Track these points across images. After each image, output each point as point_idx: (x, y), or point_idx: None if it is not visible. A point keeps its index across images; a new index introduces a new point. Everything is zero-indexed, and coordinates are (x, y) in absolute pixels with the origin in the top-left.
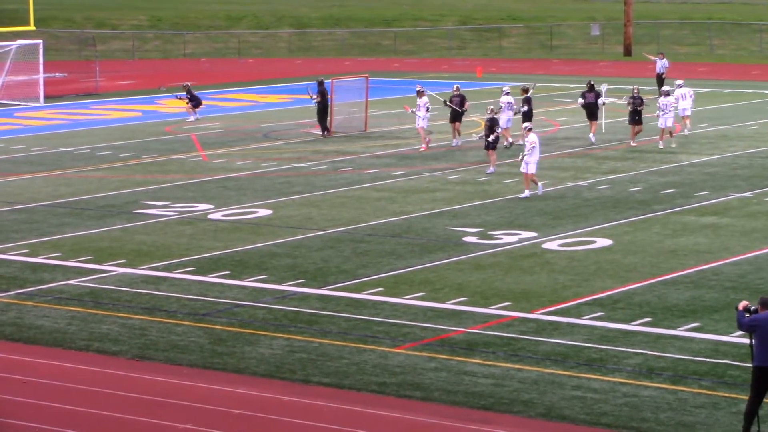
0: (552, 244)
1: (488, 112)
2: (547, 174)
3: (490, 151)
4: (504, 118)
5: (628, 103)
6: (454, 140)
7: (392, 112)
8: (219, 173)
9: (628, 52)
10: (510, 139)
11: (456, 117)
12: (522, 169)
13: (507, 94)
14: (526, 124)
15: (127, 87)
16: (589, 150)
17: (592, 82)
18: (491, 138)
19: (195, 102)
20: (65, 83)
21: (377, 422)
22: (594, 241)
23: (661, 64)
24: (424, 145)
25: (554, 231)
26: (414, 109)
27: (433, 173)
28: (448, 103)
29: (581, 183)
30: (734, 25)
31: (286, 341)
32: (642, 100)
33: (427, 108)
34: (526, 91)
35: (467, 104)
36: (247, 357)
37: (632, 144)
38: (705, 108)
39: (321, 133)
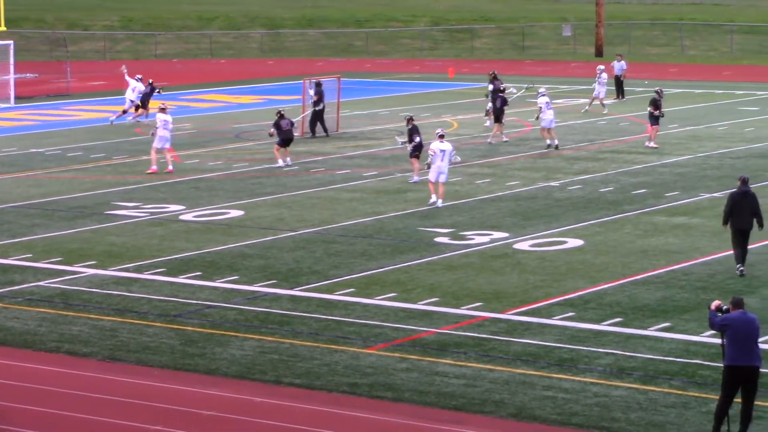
0: (523, 245)
1: (408, 121)
2: (518, 174)
3: (413, 159)
4: (547, 119)
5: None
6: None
7: (364, 112)
8: (190, 174)
9: (599, 53)
10: (554, 141)
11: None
12: (431, 178)
13: (543, 95)
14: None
15: (99, 88)
16: (560, 150)
17: (495, 72)
18: (410, 147)
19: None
20: (36, 84)
21: (349, 423)
22: (565, 242)
23: (619, 66)
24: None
25: (526, 231)
26: (404, 140)
27: (404, 174)
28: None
29: (552, 183)
30: (705, 26)
31: (258, 342)
32: (651, 100)
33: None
34: (501, 90)
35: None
36: (218, 358)
37: (651, 144)
38: (676, 108)
39: (311, 134)
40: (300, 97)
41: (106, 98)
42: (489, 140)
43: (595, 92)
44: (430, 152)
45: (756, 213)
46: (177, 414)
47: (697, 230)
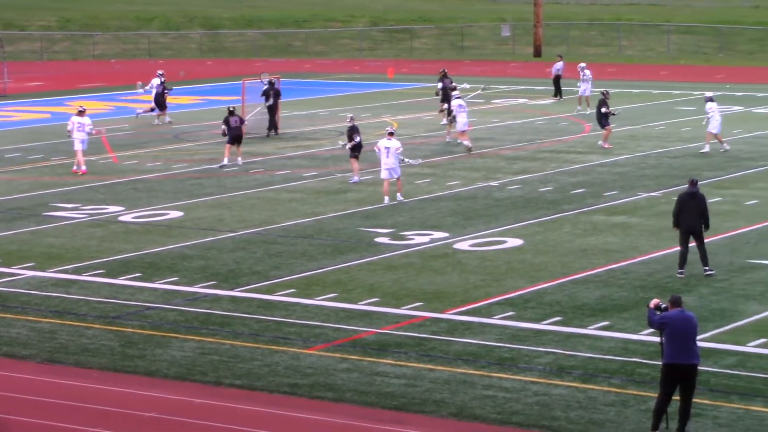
0: (463, 245)
1: (348, 120)
2: (458, 174)
3: (352, 159)
4: (461, 122)
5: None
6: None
7: (303, 113)
8: (129, 175)
9: (538, 53)
10: (469, 144)
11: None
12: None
13: (458, 97)
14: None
15: (36, 89)
16: (500, 150)
17: (444, 70)
18: (348, 146)
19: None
20: None
21: (289, 424)
22: (505, 241)
23: (558, 67)
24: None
25: (465, 231)
26: (344, 143)
27: (344, 174)
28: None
29: (492, 183)
30: (642, 26)
31: (198, 343)
32: (601, 102)
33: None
34: (453, 89)
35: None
36: (158, 359)
37: (606, 145)
38: (613, 108)
39: (267, 133)
40: (239, 97)
41: (43, 99)
42: (447, 139)
43: (581, 91)
44: (376, 149)
45: (703, 214)
46: (117, 416)
47: (635, 229)
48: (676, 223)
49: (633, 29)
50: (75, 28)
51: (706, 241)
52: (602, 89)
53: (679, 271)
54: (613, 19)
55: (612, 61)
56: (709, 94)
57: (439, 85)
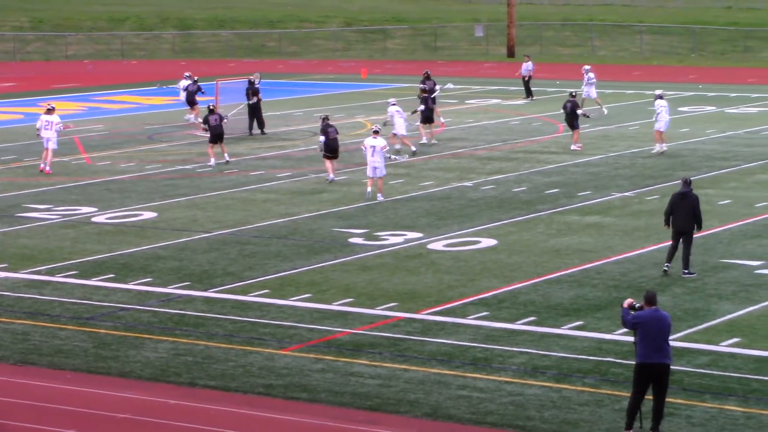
0: (437, 245)
1: (321, 120)
2: (432, 175)
3: (324, 158)
4: (400, 124)
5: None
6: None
7: (277, 113)
8: (103, 176)
9: (511, 54)
10: (411, 147)
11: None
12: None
13: (394, 104)
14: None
15: (8, 89)
16: (474, 150)
17: (428, 71)
18: (320, 145)
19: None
20: None
21: (264, 424)
22: (479, 241)
23: (525, 67)
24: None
25: (439, 231)
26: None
27: (318, 175)
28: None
29: (466, 183)
30: (615, 26)
31: (172, 344)
32: (575, 103)
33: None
34: (424, 91)
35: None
36: (131, 361)
37: (577, 147)
38: (586, 108)
39: (250, 132)
40: (213, 98)
41: (16, 100)
42: (423, 140)
43: (584, 93)
44: (362, 147)
45: (695, 214)
46: (91, 417)
47: (609, 229)
48: (667, 222)
49: (606, 30)
50: (48, 28)
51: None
52: (570, 90)
53: (666, 264)
54: (586, 20)
55: (585, 62)
56: (659, 91)
57: (421, 86)
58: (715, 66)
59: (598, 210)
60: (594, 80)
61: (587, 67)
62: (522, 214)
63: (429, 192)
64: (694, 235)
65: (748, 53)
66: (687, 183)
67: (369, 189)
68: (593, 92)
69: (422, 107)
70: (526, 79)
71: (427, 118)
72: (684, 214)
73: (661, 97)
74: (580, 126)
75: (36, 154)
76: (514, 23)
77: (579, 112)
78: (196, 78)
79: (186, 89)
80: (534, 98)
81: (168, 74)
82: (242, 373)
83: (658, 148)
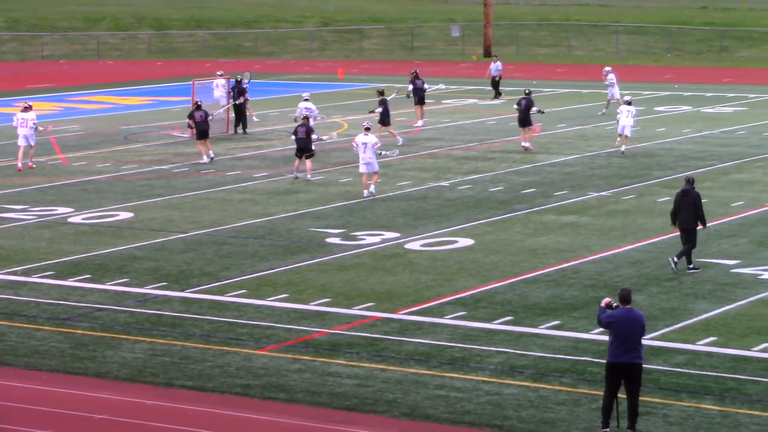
0: (414, 245)
1: (298, 120)
2: (408, 174)
3: (304, 157)
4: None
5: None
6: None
7: (254, 113)
8: (79, 176)
9: (488, 53)
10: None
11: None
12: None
13: (307, 102)
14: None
15: None
16: (450, 150)
17: (416, 71)
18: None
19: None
20: None
21: (241, 425)
22: (456, 241)
23: (495, 67)
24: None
25: (416, 231)
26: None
27: (297, 174)
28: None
29: (443, 183)
30: (591, 26)
31: (149, 345)
32: (530, 101)
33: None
34: (381, 93)
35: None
36: (108, 361)
37: (525, 145)
38: (563, 108)
39: (235, 131)
40: (189, 98)
41: None
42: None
43: (609, 95)
44: (353, 144)
45: (696, 212)
46: (67, 418)
47: (585, 229)
48: (674, 221)
49: (582, 30)
50: (23, 28)
51: (650, 241)
52: (525, 88)
53: (674, 259)
54: (563, 20)
55: (561, 62)
56: (627, 97)
57: (410, 87)
58: (690, 66)
59: (574, 210)
60: (614, 81)
61: (608, 68)
62: (499, 213)
63: (406, 192)
64: (693, 235)
65: (723, 53)
66: (689, 181)
67: (366, 192)
68: (616, 93)
69: (380, 109)
70: (497, 78)
71: (383, 120)
72: (686, 211)
73: (629, 103)
74: (534, 124)
75: (11, 154)
76: (490, 23)
77: (535, 109)
78: (239, 76)
79: (232, 88)
80: (501, 97)
81: (144, 74)
82: (219, 374)
83: (618, 144)
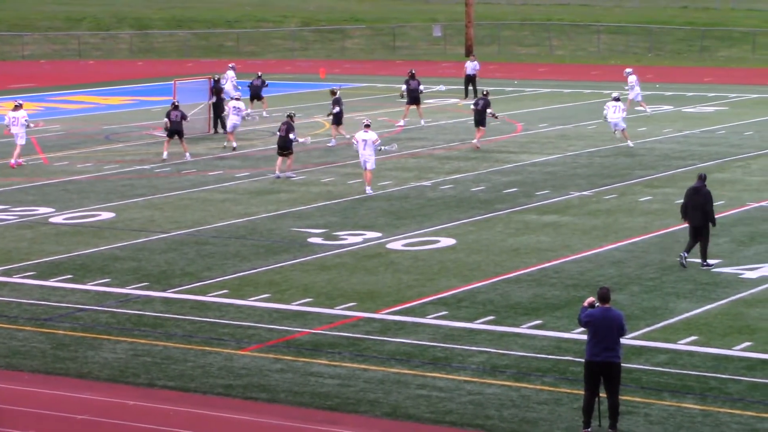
0: (396, 244)
1: (289, 117)
2: (390, 174)
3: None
4: (232, 123)
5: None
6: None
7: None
8: (60, 176)
9: (469, 53)
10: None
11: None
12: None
13: (237, 107)
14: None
15: None
16: (432, 150)
17: (413, 71)
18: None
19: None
20: None
21: (223, 425)
22: (438, 241)
23: (472, 66)
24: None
25: (398, 231)
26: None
27: (277, 174)
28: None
29: (425, 183)
30: (573, 26)
31: (130, 345)
32: (487, 102)
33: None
34: (333, 93)
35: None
36: (90, 362)
37: (474, 142)
38: (545, 108)
39: (215, 130)
40: (171, 98)
41: None
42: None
43: (632, 96)
44: (354, 141)
45: (705, 210)
46: (49, 418)
47: (567, 228)
48: (684, 216)
49: (564, 29)
50: (3, 28)
51: (631, 240)
52: (483, 89)
53: (684, 254)
54: (544, 19)
55: (543, 61)
56: (615, 94)
57: (403, 87)
58: (671, 65)
59: (556, 209)
60: (635, 83)
61: (629, 70)
62: (480, 213)
63: (387, 191)
64: (704, 232)
65: (704, 53)
66: (701, 178)
67: (368, 188)
68: (638, 94)
69: (336, 109)
70: (473, 77)
71: (338, 119)
72: (696, 209)
73: (616, 99)
74: (487, 126)
75: None
76: (472, 23)
77: (489, 111)
78: (260, 73)
79: (251, 84)
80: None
81: (125, 74)
82: (201, 374)
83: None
